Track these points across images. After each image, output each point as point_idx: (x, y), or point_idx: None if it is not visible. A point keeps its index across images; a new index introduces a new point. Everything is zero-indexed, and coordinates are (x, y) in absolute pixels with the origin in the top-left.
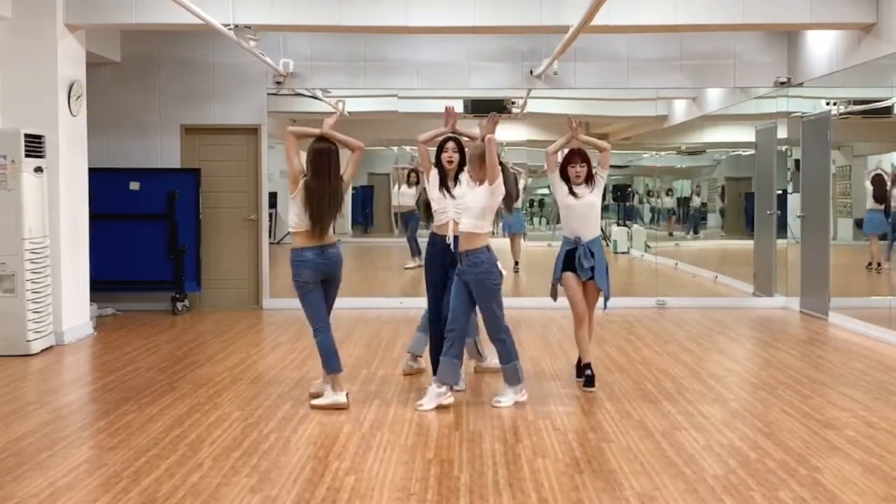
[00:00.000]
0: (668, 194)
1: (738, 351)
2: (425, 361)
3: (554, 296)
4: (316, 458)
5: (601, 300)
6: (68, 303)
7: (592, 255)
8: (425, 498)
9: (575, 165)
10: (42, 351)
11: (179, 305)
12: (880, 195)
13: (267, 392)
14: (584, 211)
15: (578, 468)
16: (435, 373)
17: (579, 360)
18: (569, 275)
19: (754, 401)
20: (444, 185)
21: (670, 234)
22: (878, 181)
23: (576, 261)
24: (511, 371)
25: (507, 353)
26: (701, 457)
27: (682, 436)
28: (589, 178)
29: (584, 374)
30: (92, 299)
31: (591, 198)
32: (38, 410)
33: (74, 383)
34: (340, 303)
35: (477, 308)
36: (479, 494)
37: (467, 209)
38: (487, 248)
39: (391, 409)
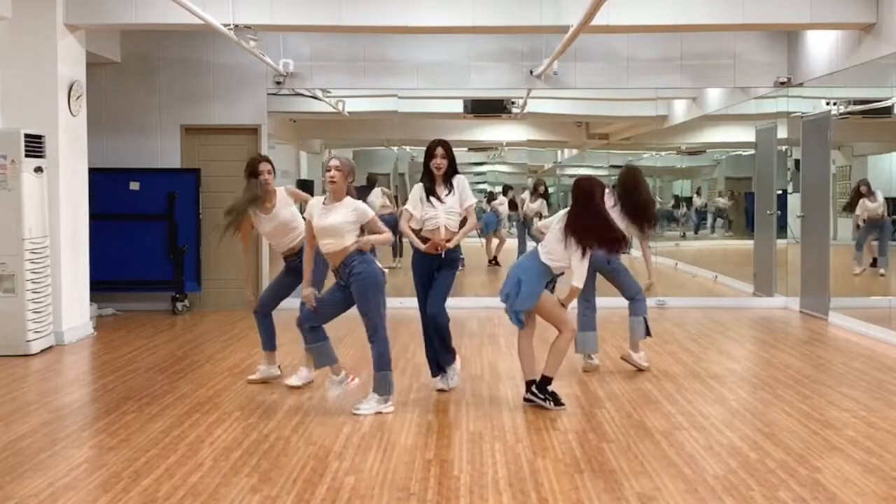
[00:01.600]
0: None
1: (738, 351)
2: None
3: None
4: (316, 458)
5: None
6: (68, 303)
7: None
8: (425, 498)
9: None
10: (42, 351)
11: (179, 305)
12: None
13: (267, 392)
14: None
15: (578, 468)
16: (434, 374)
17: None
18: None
19: (754, 401)
20: (433, 192)
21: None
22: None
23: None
24: (382, 379)
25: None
26: (701, 457)
27: (682, 436)
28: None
29: (548, 390)
30: (92, 299)
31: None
32: (38, 410)
33: (74, 383)
34: None
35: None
36: (479, 494)
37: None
38: (359, 251)
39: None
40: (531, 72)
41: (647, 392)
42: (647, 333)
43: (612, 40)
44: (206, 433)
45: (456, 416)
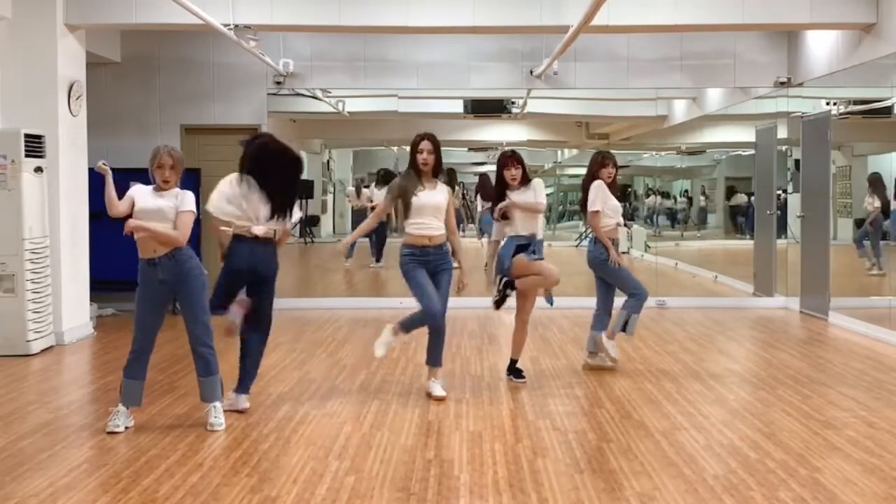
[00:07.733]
0: (683, 195)
1: (738, 351)
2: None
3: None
4: (316, 458)
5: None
6: (68, 303)
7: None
8: (425, 498)
9: (510, 168)
10: (42, 351)
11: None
12: None
13: (267, 392)
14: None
15: (578, 468)
16: None
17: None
18: (521, 256)
19: (754, 401)
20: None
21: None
22: None
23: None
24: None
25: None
26: (701, 457)
27: (682, 436)
28: (524, 181)
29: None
30: (92, 299)
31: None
32: (38, 410)
33: (74, 383)
34: (341, 303)
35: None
36: (479, 494)
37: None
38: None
39: (391, 409)
40: (531, 72)
41: (647, 392)
42: (624, 329)
43: (612, 40)
44: (206, 433)
45: (456, 416)
